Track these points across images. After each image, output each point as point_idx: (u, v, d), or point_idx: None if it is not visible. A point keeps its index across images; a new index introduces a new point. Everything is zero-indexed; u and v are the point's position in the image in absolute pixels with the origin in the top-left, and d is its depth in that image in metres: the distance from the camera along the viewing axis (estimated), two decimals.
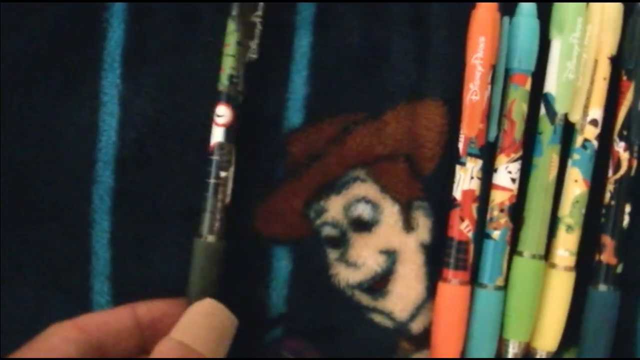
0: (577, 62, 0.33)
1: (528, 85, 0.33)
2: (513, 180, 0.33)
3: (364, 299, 0.34)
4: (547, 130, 0.33)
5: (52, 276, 0.33)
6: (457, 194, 0.33)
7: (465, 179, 0.33)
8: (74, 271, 0.33)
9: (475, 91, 0.33)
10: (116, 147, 0.33)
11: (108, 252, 0.33)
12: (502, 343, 0.34)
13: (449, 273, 0.33)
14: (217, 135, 0.32)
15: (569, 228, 0.34)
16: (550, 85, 0.33)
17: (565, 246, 0.34)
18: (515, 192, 0.33)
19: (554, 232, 0.34)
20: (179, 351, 0.28)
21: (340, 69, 0.34)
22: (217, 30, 0.33)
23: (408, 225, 0.34)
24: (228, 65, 0.32)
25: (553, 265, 0.34)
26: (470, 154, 0.33)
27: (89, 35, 0.33)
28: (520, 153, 0.33)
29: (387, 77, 0.34)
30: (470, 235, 0.33)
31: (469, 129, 0.33)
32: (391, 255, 0.34)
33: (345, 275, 0.34)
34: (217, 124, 0.32)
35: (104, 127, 0.33)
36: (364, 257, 0.34)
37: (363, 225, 0.34)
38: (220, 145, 0.32)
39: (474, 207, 0.33)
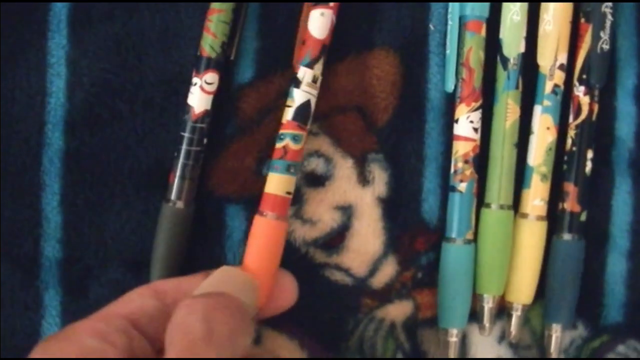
0: (522, 4, 0.32)
1: (483, 32, 0.32)
2: (475, 130, 0.32)
3: (320, 256, 0.33)
4: (501, 77, 0.32)
5: (2, 241, 0.33)
6: None
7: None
8: (24, 236, 0.33)
9: None
10: (65, 108, 0.33)
11: (59, 215, 0.33)
12: (476, 299, 0.33)
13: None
14: (204, 103, 0.32)
15: (544, 177, 0.33)
16: (502, 30, 0.32)
17: (541, 195, 0.33)
18: (478, 142, 0.32)
19: (527, 182, 0.33)
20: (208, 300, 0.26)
21: (290, 22, 0.33)
22: None
23: (363, 179, 0.33)
24: (222, 32, 0.32)
25: (524, 216, 0.33)
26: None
27: None
28: (480, 102, 0.32)
29: (336, 29, 0.33)
30: None
31: None
32: (347, 211, 0.33)
33: (302, 232, 0.33)
34: (206, 92, 0.32)
35: (51, 89, 0.33)
36: (320, 213, 0.33)
37: (317, 180, 0.33)
38: (208, 113, 0.32)
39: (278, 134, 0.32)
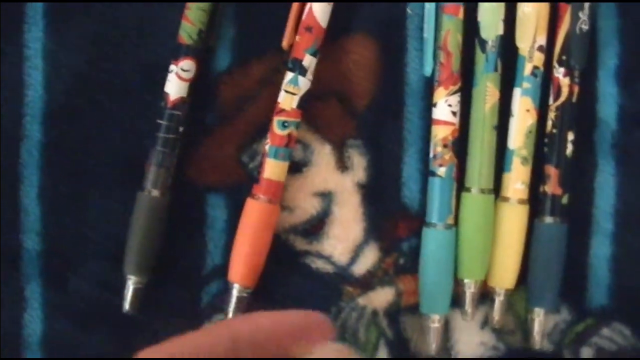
0: None
1: (461, 15, 0.32)
2: (454, 113, 0.32)
3: (301, 243, 0.33)
4: (480, 59, 0.32)
5: None
6: None
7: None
8: (4, 228, 0.33)
9: None
10: (43, 100, 0.33)
11: (38, 207, 0.33)
12: (458, 284, 0.33)
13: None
14: (180, 90, 0.32)
15: (525, 160, 0.32)
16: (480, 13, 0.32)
17: (522, 179, 0.32)
18: (457, 126, 0.32)
19: (508, 166, 0.32)
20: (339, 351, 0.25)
21: (267, 8, 0.33)
22: None
23: (342, 165, 0.33)
24: (199, 20, 0.32)
25: (506, 200, 0.32)
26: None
27: None
28: (459, 85, 0.32)
29: None
30: (267, 148, 0.32)
31: None
32: (326, 197, 0.33)
33: (281, 219, 0.33)
34: (182, 79, 0.32)
35: (29, 81, 0.33)
36: (299, 199, 0.33)
37: (295, 167, 0.33)
38: (183, 101, 0.32)
39: (276, 121, 0.32)
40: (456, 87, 0.32)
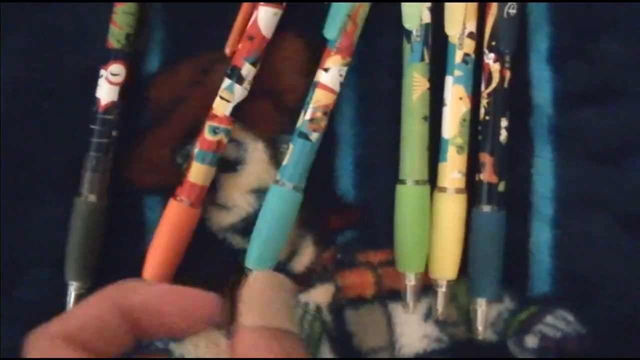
0: None
1: None
2: (341, 84, 0.32)
3: (238, 242, 0.33)
4: (406, 50, 0.32)
5: None
6: None
7: None
8: None
9: None
10: None
11: None
12: (399, 276, 0.32)
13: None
14: (111, 94, 0.32)
15: (460, 149, 0.32)
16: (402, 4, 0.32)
17: (458, 168, 0.32)
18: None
19: (443, 155, 0.32)
20: (262, 336, 0.24)
21: (195, 9, 0.33)
22: None
23: (276, 162, 0.33)
24: (126, 23, 0.32)
25: (443, 190, 0.32)
26: None
27: None
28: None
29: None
30: (195, 152, 0.32)
31: None
32: (262, 194, 0.33)
33: (218, 219, 0.33)
34: (112, 83, 0.32)
35: None
36: (234, 198, 0.33)
37: (229, 165, 0.33)
38: (115, 105, 0.32)
39: (208, 126, 0.32)
40: (350, 60, 0.32)
